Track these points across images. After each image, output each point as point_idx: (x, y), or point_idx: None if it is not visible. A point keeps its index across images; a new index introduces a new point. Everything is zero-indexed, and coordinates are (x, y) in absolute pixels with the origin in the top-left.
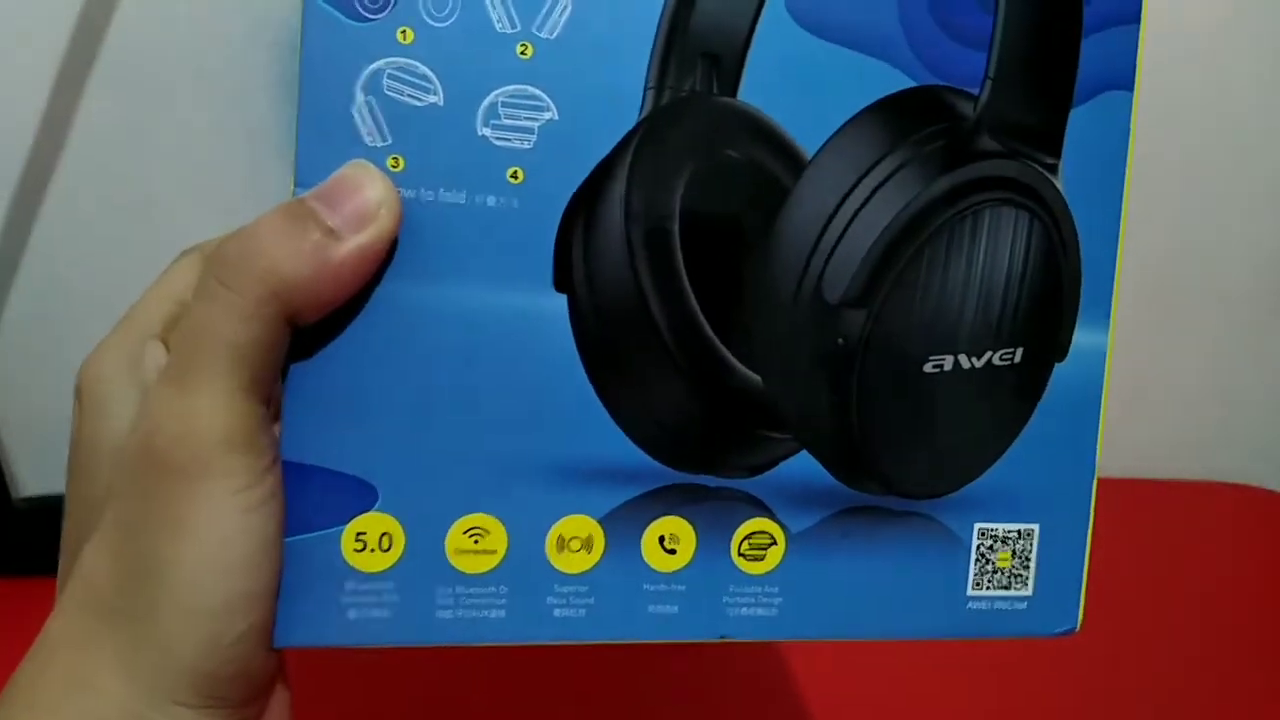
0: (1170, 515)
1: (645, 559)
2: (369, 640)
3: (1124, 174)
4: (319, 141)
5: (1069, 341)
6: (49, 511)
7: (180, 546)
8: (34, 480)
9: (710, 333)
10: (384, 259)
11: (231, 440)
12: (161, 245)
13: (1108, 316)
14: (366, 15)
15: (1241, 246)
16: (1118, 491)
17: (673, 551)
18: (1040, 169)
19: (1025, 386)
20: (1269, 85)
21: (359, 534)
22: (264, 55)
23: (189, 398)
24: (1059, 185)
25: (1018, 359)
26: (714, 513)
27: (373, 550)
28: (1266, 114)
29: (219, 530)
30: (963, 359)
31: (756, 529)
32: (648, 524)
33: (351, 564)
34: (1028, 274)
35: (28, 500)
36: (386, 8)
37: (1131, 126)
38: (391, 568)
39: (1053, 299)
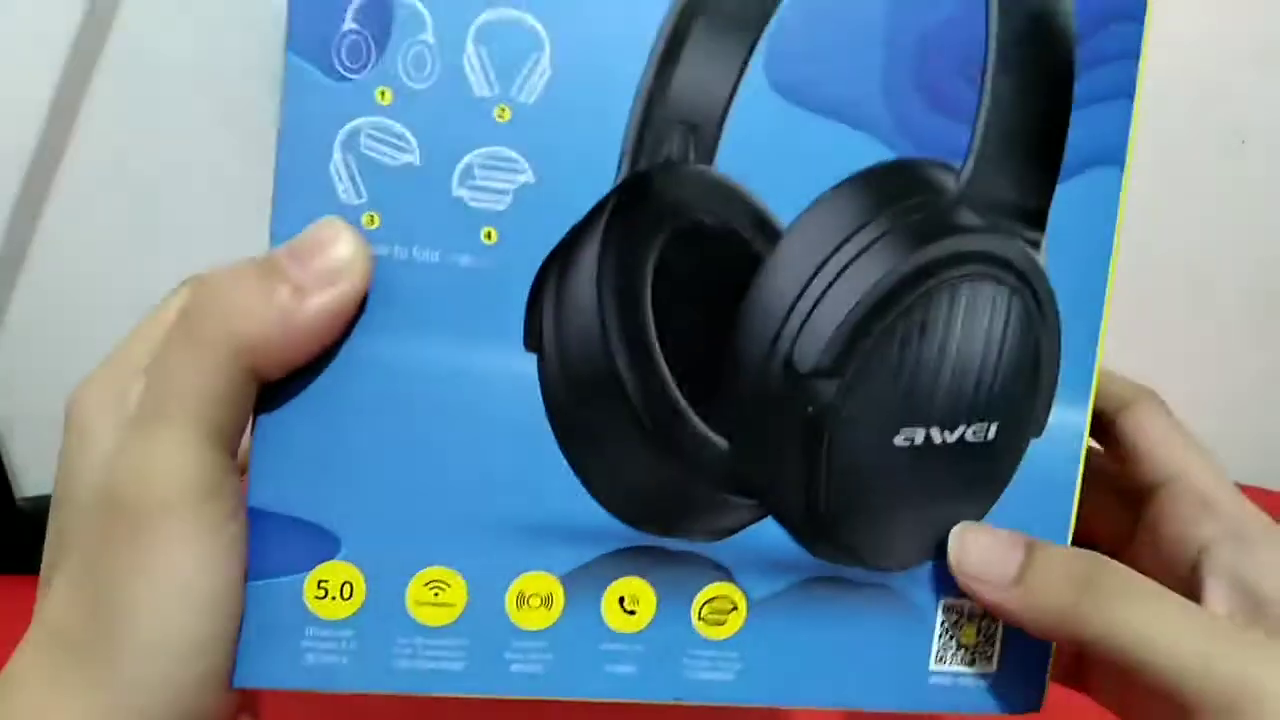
0: None
1: (605, 619)
2: (326, 686)
3: (1110, 251)
4: (296, 197)
5: (1045, 419)
6: (49, 511)
7: (141, 589)
8: (35, 480)
9: (679, 397)
10: (353, 316)
11: (195, 489)
12: (163, 246)
13: (1087, 395)
14: (346, 75)
15: (1241, 245)
16: None
17: (632, 613)
18: (1023, 244)
19: (998, 463)
20: (1268, 84)
21: (321, 582)
22: (264, 55)
23: (154, 446)
24: (1041, 261)
25: (991, 435)
26: (676, 576)
27: (334, 598)
28: (1266, 113)
29: (180, 574)
30: (935, 433)
31: (718, 594)
32: (609, 584)
33: (313, 610)
34: (1006, 350)
35: (29, 500)
36: (366, 68)
37: (1121, 203)
38: (352, 616)
39: (1031, 376)
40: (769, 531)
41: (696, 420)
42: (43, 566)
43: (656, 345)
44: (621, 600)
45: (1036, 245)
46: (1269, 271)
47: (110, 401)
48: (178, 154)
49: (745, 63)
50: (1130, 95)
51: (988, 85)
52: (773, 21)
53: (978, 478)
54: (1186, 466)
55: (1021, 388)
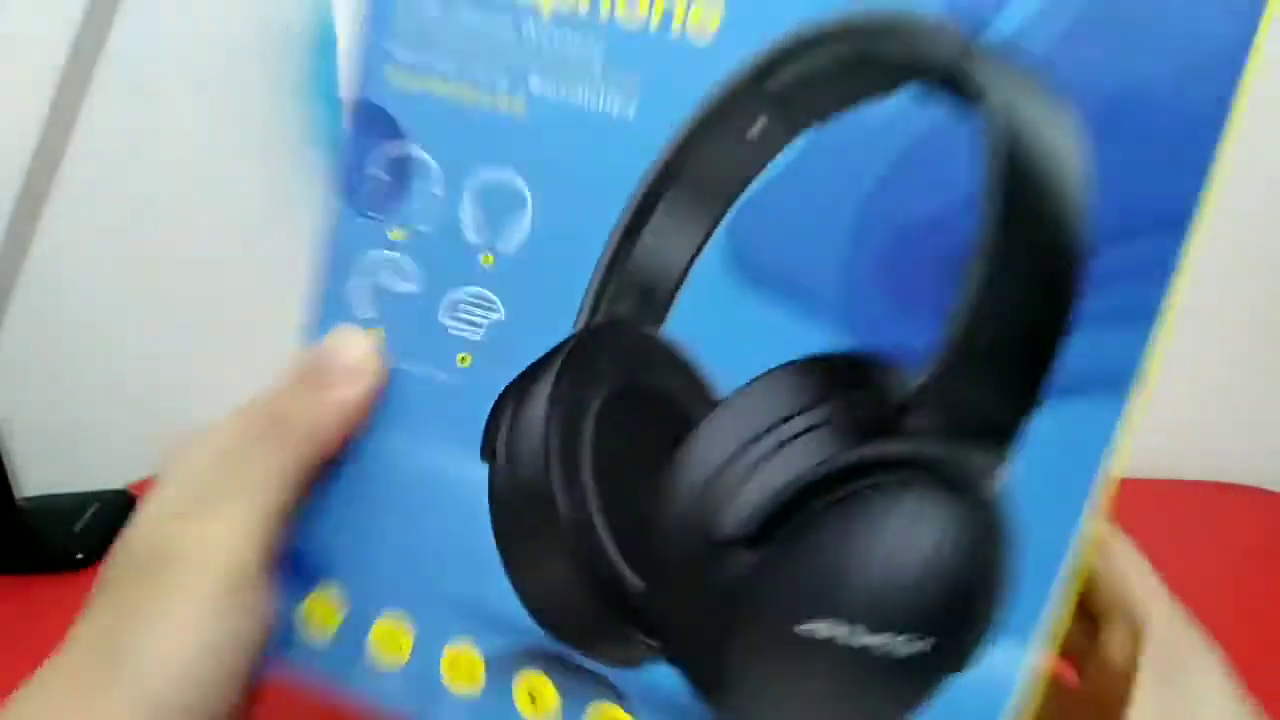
0: (1170, 515)
1: (516, 704)
2: (310, 669)
3: (1092, 488)
4: (323, 308)
5: (974, 649)
6: (50, 511)
7: (162, 635)
8: (35, 480)
9: (604, 533)
10: (373, 406)
11: (237, 565)
12: (162, 247)
13: (1030, 639)
14: (369, 215)
15: (1242, 246)
16: (1118, 491)
17: (537, 704)
18: (982, 461)
19: (911, 683)
20: (1268, 84)
21: (314, 600)
22: (265, 58)
23: (207, 523)
24: (1002, 483)
25: (907, 651)
26: (577, 685)
27: (322, 617)
28: (1269, 111)
29: (202, 629)
30: (844, 630)
31: (608, 715)
32: (520, 674)
33: (306, 619)
34: (940, 568)
35: (29, 500)
36: (384, 210)
37: (1115, 442)
38: (334, 631)
39: (965, 603)
40: (671, 674)
41: (618, 558)
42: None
43: (590, 482)
44: (529, 693)
45: (998, 464)
46: (1269, 272)
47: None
48: (177, 155)
49: (708, 235)
50: (1152, 317)
51: (969, 288)
52: (744, 196)
53: (886, 690)
54: (1126, 594)
55: (951, 612)
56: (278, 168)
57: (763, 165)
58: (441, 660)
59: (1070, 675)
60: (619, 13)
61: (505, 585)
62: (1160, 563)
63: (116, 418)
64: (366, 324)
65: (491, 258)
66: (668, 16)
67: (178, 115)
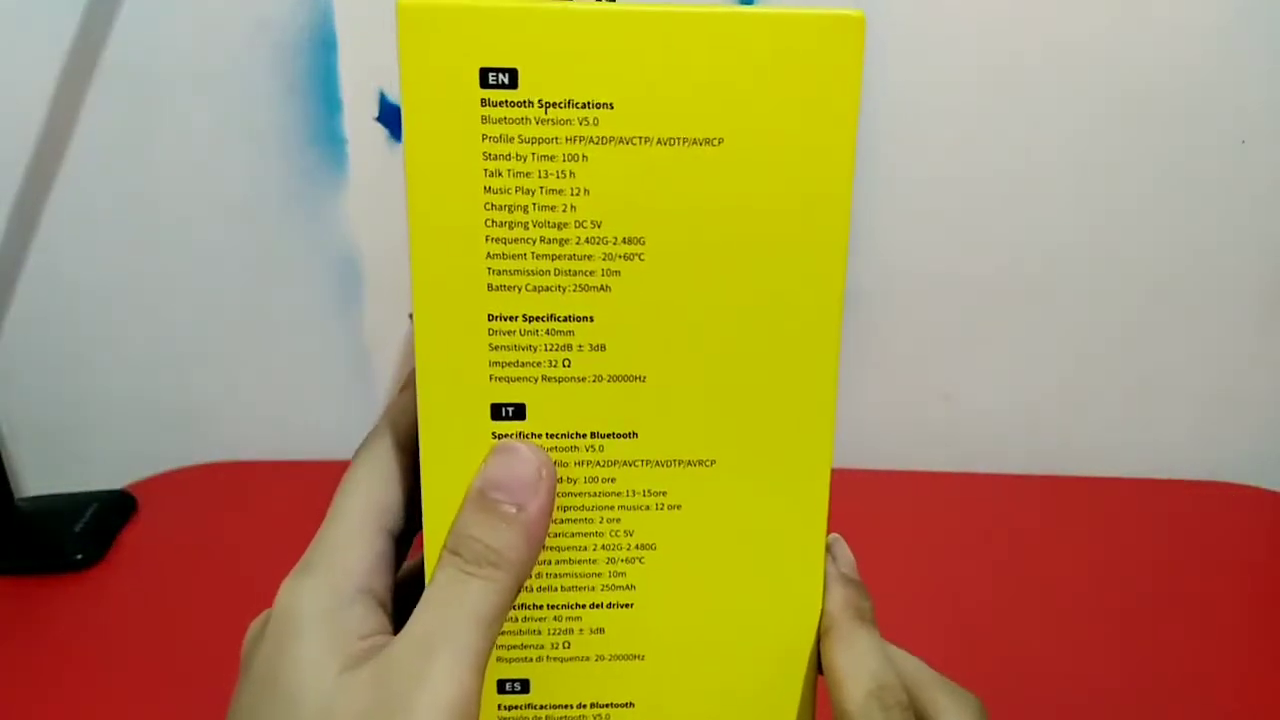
0: (1170, 515)
1: None
2: None
3: None
4: None
5: None
6: (50, 511)
7: None
8: (35, 480)
9: None
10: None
11: (459, 710)
12: (163, 245)
13: None
14: None
15: (1244, 246)
16: (1118, 491)
17: None
18: None
19: None
20: (1275, 82)
21: None
22: (265, 57)
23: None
24: None
25: None
26: None
27: None
28: (1273, 110)
29: None
30: None
31: None
32: None
33: None
34: None
35: (29, 500)
36: None
37: None
38: None
39: None
40: None
41: None
42: None
43: None
44: None
45: None
46: (1269, 271)
47: (326, 610)
48: (177, 155)
49: None
50: None
51: None
52: None
53: None
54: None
55: None
56: (277, 168)
57: None
58: None
59: None
60: None
61: None
62: (1160, 563)
63: (116, 418)
64: None
65: None
66: None
67: (178, 115)
